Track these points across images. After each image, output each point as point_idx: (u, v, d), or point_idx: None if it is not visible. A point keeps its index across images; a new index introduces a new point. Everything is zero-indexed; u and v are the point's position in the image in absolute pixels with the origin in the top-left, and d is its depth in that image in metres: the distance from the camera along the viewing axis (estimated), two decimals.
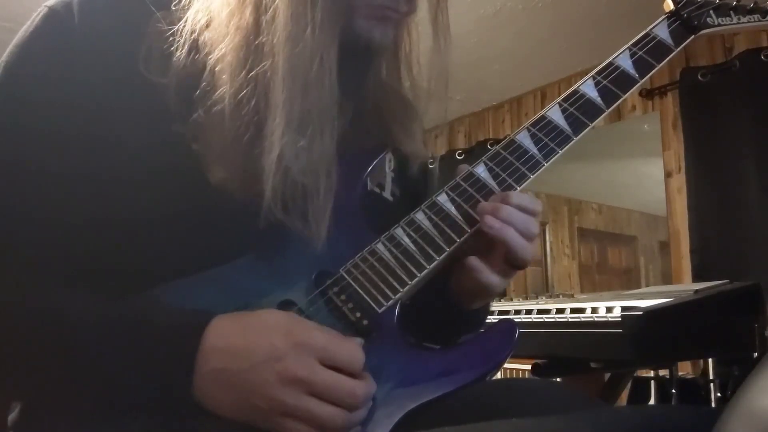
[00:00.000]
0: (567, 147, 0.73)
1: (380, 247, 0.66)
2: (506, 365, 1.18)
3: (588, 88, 0.76)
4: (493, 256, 0.68)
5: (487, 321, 0.81)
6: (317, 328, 0.58)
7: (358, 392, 0.55)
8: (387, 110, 0.76)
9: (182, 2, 0.65)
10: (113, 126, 0.61)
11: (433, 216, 0.68)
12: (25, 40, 0.64)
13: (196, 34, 0.64)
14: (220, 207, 0.61)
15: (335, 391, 0.54)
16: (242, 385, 0.54)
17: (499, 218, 0.66)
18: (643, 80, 0.77)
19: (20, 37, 0.64)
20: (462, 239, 0.67)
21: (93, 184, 0.61)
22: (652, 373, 2.04)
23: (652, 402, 1.99)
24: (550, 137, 0.73)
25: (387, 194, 0.78)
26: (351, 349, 0.57)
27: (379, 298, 0.64)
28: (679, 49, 0.80)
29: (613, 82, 0.76)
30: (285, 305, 0.62)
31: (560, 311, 1.50)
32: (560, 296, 2.02)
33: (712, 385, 1.84)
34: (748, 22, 0.85)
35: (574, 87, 0.76)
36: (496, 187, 0.70)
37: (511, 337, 0.64)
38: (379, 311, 0.63)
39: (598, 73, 0.77)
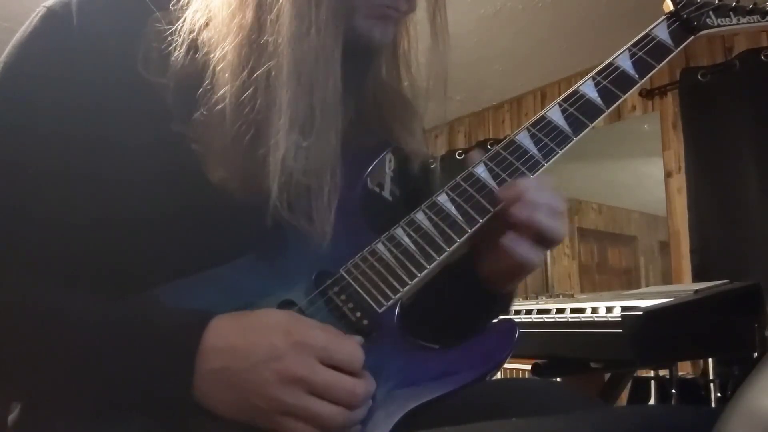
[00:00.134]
0: (567, 147, 0.73)
1: (380, 247, 0.66)
2: (506, 365, 1.18)
3: (588, 88, 0.76)
4: (522, 236, 0.67)
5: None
6: (317, 327, 0.58)
7: (358, 391, 0.56)
8: (387, 109, 0.76)
9: (181, 2, 0.65)
10: (112, 126, 0.61)
11: (433, 216, 0.68)
12: (23, 41, 0.64)
13: (194, 34, 0.63)
14: (220, 207, 0.61)
15: (335, 390, 0.54)
16: (242, 385, 0.54)
17: (526, 203, 0.66)
18: (643, 81, 0.77)
19: (19, 37, 0.64)
20: (462, 239, 0.67)
21: (92, 184, 0.61)
22: (652, 373, 2.04)
23: (652, 402, 1.99)
24: (550, 137, 0.73)
25: (386, 194, 0.78)
26: (351, 348, 0.57)
27: (379, 298, 0.64)
28: (678, 49, 0.80)
29: (613, 83, 0.76)
30: (285, 305, 0.62)
31: (560, 311, 1.50)
32: (560, 296, 2.03)
33: (712, 385, 1.85)
34: (748, 22, 0.85)
35: (574, 87, 0.76)
36: (496, 187, 0.70)
37: (511, 337, 0.64)
38: (380, 311, 0.63)
39: (598, 73, 0.77)
